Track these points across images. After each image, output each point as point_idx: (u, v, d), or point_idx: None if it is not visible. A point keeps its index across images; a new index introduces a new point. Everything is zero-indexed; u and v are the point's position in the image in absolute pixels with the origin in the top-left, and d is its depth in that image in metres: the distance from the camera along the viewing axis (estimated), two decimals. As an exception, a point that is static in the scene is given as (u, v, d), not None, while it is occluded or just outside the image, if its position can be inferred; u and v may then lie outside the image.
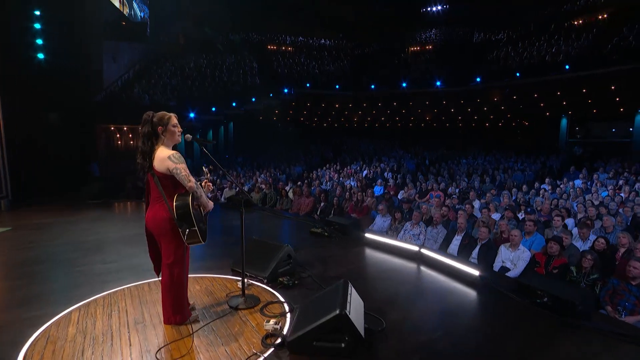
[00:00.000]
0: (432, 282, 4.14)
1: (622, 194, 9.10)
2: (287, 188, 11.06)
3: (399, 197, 10.72)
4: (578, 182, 10.54)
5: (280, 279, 3.73)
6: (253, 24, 22.63)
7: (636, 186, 9.79)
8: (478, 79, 15.91)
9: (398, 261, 4.76)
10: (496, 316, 3.32)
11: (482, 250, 5.11)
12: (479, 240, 5.22)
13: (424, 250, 4.60)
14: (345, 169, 15.48)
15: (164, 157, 2.52)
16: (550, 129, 18.08)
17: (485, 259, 4.99)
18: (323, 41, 24.39)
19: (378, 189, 11.62)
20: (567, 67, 13.41)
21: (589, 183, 10.39)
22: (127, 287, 3.71)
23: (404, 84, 18.10)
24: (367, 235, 5.47)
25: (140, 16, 20.18)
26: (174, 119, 2.65)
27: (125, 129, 15.93)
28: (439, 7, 23.88)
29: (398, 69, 19.42)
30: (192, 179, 2.54)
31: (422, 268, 4.51)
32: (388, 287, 3.90)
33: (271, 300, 3.37)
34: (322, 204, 8.48)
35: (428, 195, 10.51)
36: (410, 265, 4.60)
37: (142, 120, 2.59)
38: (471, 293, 3.80)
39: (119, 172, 13.41)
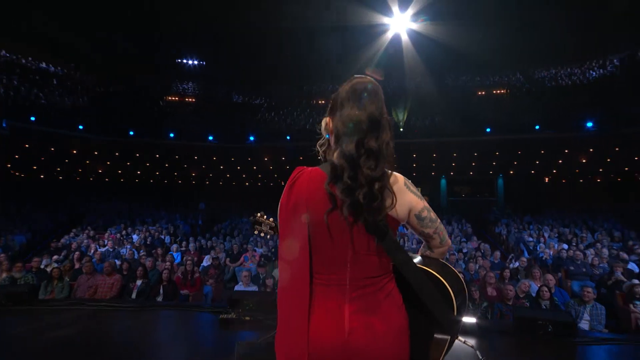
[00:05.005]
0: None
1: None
2: (43, 264, 7.75)
3: (205, 263, 9.88)
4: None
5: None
6: None
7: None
8: (252, 138, 17.31)
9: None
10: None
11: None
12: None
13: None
14: (107, 233, 12.57)
15: (402, 187, 1.32)
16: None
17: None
18: (45, 66, 19.63)
19: (176, 256, 10.16)
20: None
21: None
22: None
23: (172, 134, 17.17)
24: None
25: None
26: None
27: None
28: (195, 62, 24.67)
29: (162, 118, 18.24)
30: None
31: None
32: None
33: None
34: (138, 281, 6.45)
35: (242, 258, 10.11)
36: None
37: (367, 103, 1.28)
38: (481, 343, 3.71)
39: None
